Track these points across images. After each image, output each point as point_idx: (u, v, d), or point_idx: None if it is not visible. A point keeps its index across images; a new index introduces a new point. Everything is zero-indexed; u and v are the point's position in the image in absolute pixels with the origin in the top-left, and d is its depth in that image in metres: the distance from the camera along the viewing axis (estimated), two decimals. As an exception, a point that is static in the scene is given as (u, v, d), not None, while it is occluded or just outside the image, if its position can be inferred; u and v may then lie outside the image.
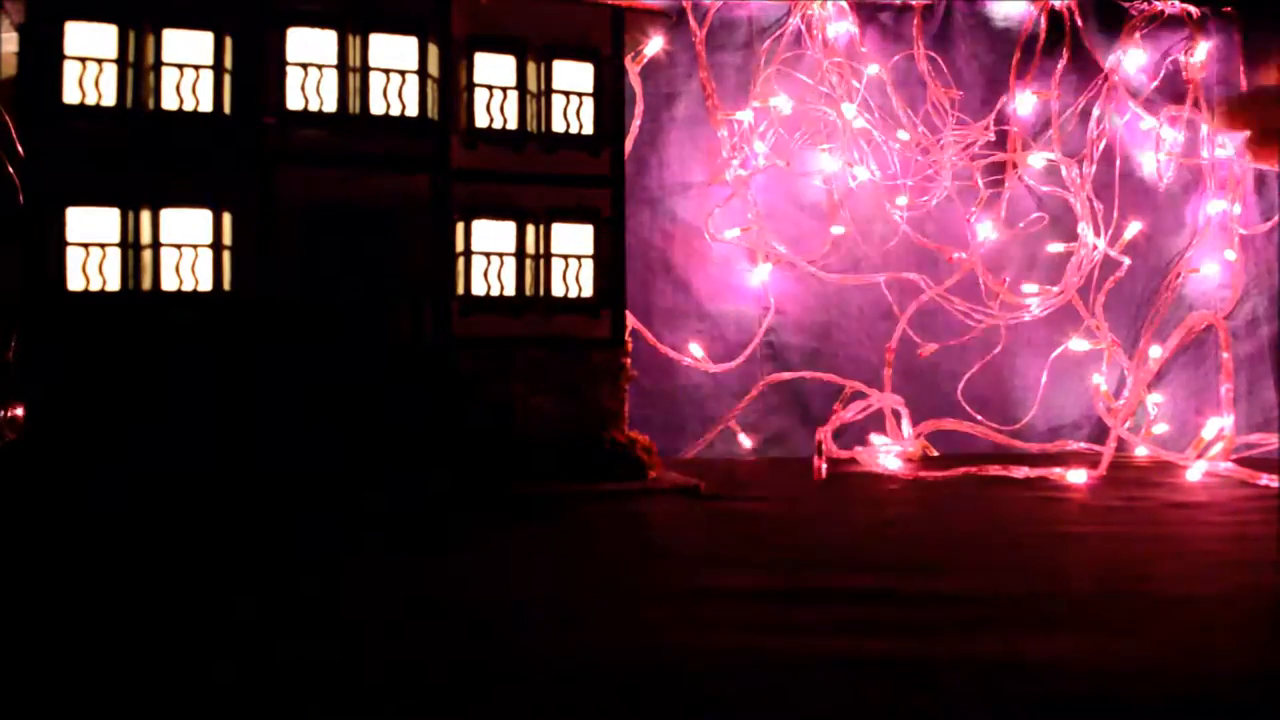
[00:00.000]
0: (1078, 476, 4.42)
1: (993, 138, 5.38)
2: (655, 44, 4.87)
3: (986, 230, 5.32)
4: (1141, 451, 5.28)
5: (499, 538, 3.18)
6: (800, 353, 5.36)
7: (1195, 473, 4.65)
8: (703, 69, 5.25)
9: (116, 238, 3.73)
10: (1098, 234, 5.33)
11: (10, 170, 3.83)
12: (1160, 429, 5.44)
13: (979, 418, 5.32)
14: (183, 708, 1.63)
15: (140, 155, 3.76)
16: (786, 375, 5.29)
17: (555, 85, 4.21)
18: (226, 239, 3.83)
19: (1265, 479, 4.35)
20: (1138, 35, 5.50)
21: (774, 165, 5.21)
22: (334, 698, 1.68)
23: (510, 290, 4.19)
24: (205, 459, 3.64)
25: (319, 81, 3.88)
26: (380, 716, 1.59)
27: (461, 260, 4.13)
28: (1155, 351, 5.35)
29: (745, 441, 5.21)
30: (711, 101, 5.24)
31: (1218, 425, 5.04)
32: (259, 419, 3.77)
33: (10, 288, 3.80)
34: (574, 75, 4.26)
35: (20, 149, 3.75)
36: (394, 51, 3.97)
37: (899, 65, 5.39)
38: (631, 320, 4.69)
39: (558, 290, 4.25)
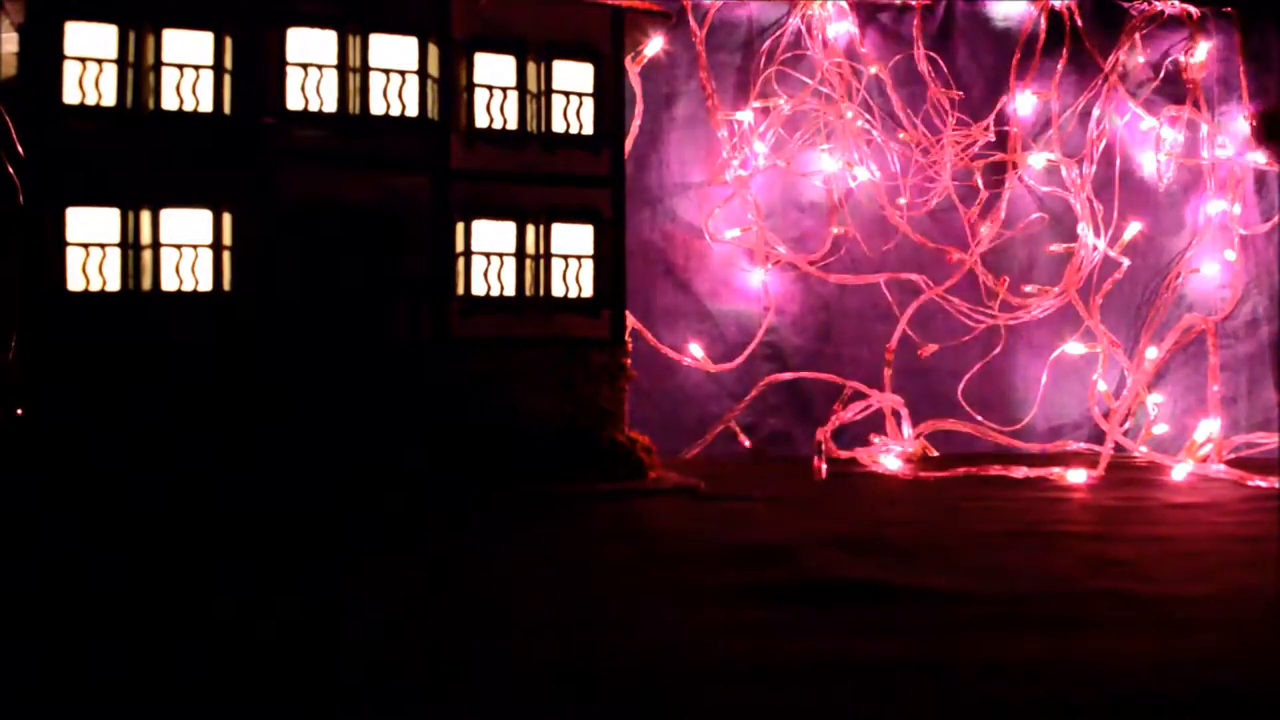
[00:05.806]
0: (1077, 476, 4.42)
1: (993, 138, 5.39)
2: (655, 44, 4.87)
3: (986, 230, 5.33)
4: (1142, 451, 5.29)
5: (498, 538, 3.18)
6: (800, 353, 5.36)
7: (1180, 472, 4.68)
8: (703, 69, 5.25)
9: (116, 238, 3.73)
10: (1098, 234, 5.33)
11: (10, 170, 3.82)
12: (1160, 429, 5.44)
13: (979, 418, 5.32)
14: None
15: (140, 155, 3.76)
16: (786, 375, 5.29)
17: (555, 85, 4.21)
18: (226, 239, 3.82)
19: (1255, 480, 4.37)
20: (1138, 35, 5.50)
21: (774, 165, 5.21)
22: (329, 696, 1.69)
23: (510, 290, 4.19)
24: (205, 458, 3.64)
25: (319, 81, 3.87)
26: (364, 713, 1.59)
27: (461, 260, 4.13)
28: (1153, 353, 5.36)
29: (745, 441, 5.22)
30: (711, 101, 5.23)
31: (1208, 427, 5.07)
32: (258, 418, 3.77)
33: (10, 288, 3.80)
34: (574, 75, 4.26)
35: (20, 149, 3.75)
36: (394, 52, 3.97)
37: (899, 65, 5.39)
38: (631, 320, 4.68)
39: (558, 290, 4.24)
